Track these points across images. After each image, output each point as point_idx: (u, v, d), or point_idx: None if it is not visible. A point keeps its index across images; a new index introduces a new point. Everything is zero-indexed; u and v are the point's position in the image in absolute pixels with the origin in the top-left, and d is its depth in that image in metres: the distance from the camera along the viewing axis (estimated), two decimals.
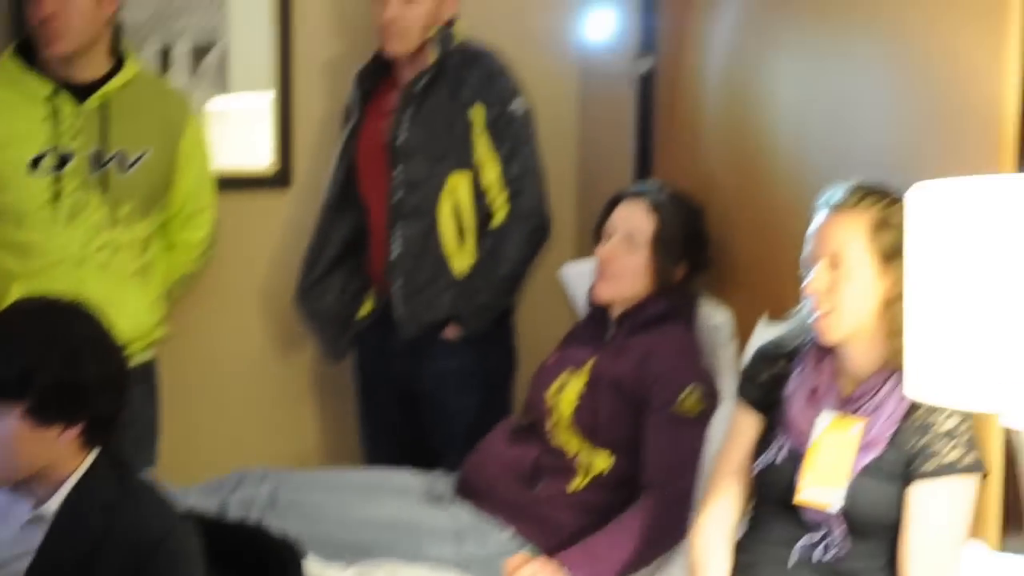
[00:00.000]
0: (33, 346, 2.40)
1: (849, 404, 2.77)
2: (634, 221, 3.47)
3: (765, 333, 3.11)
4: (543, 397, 3.50)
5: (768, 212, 3.50)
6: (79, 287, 3.34)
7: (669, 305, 3.45)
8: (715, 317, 3.56)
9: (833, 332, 2.74)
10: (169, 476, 3.57)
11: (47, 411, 2.42)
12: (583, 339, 3.59)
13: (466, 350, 3.95)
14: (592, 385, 3.42)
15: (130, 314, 3.56)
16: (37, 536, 2.51)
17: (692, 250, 3.53)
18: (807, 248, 2.77)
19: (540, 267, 4.31)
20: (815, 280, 2.73)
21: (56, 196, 3.51)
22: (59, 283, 3.36)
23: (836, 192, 2.76)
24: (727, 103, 3.74)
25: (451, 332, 3.94)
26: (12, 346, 2.40)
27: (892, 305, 2.69)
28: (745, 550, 2.86)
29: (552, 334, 4.41)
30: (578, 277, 3.95)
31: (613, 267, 3.45)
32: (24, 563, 2.51)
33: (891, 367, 2.72)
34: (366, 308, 4.08)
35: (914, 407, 2.71)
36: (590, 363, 3.46)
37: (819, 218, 2.77)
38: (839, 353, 2.80)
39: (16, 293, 3.42)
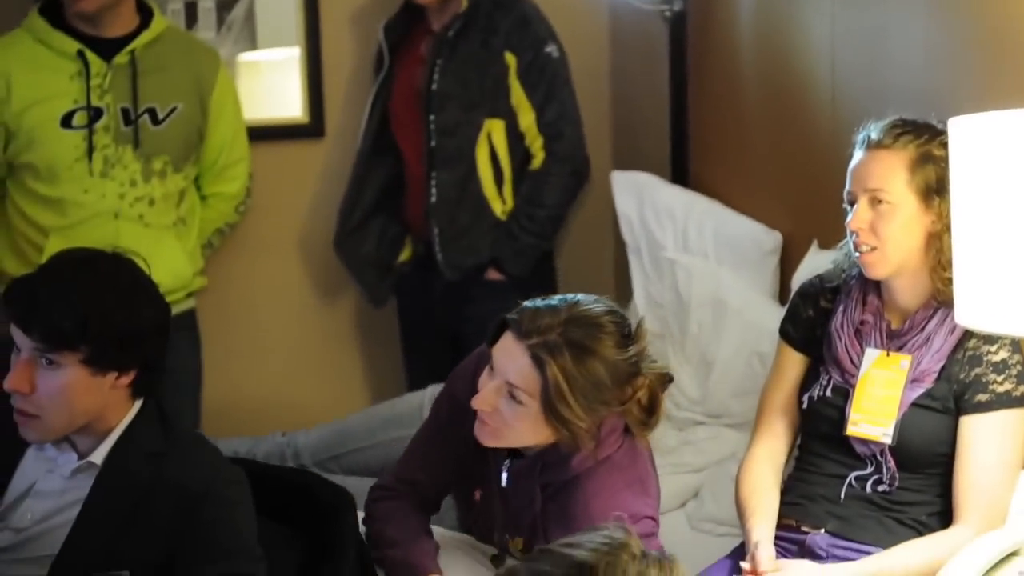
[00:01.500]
0: (88, 294, 2.41)
1: (896, 339, 2.76)
2: (512, 369, 2.55)
3: (815, 260, 3.10)
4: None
5: (807, 145, 3.50)
6: (115, 241, 3.35)
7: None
8: (765, 242, 3.55)
9: (878, 268, 2.73)
10: (212, 425, 3.60)
11: (103, 359, 2.43)
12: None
13: (508, 292, 3.90)
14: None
15: (168, 266, 3.57)
16: (84, 485, 2.53)
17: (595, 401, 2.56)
18: (848, 185, 2.76)
19: (579, 209, 4.31)
20: (857, 218, 2.72)
21: (89, 151, 3.52)
22: (95, 237, 3.37)
23: (874, 129, 2.74)
24: (761, 39, 3.72)
25: (492, 275, 3.95)
26: (67, 295, 2.41)
27: (936, 239, 2.67)
28: (794, 486, 2.86)
29: (593, 275, 4.43)
30: (626, 185, 3.94)
31: (494, 420, 2.58)
32: (72, 512, 2.53)
33: (938, 301, 2.71)
34: (406, 253, 4.11)
35: (963, 340, 2.70)
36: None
37: (858, 156, 2.75)
38: (885, 288, 2.79)
39: (52, 247, 3.42)
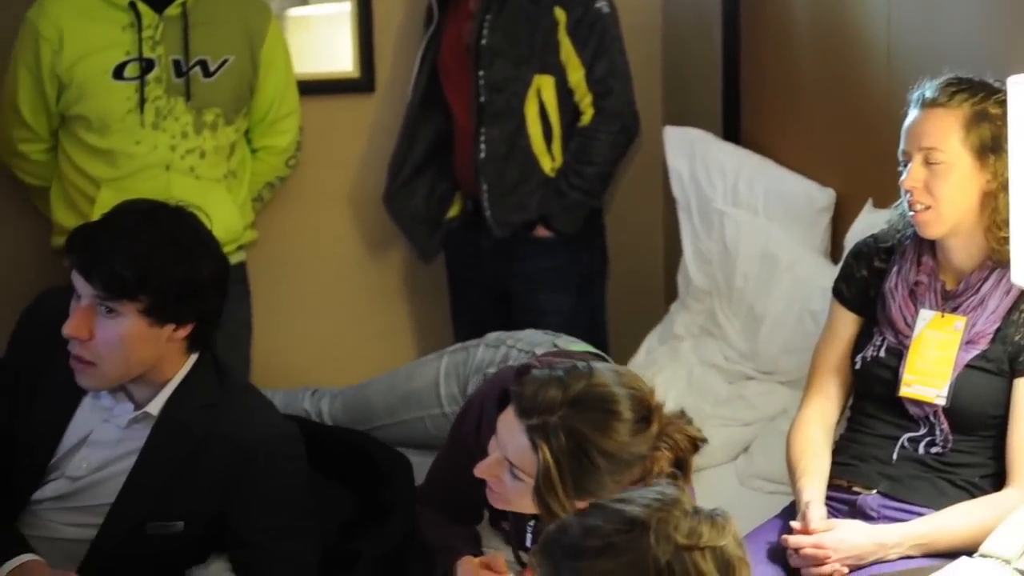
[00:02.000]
0: (149, 246, 2.43)
1: (951, 300, 2.75)
2: (510, 447, 2.40)
3: (869, 219, 3.08)
4: None
5: (862, 103, 3.47)
6: (166, 193, 3.37)
7: None
8: (817, 199, 3.53)
9: (933, 227, 2.71)
10: (260, 379, 3.61)
11: (161, 310, 2.45)
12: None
13: (557, 249, 3.96)
14: None
15: (219, 218, 3.55)
16: (140, 436, 2.56)
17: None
18: (902, 144, 2.74)
19: (628, 166, 4.30)
20: (911, 176, 2.70)
21: (140, 103, 3.53)
22: (146, 189, 3.38)
23: (929, 87, 2.72)
24: None
25: (541, 232, 3.95)
26: (129, 246, 2.42)
27: (992, 198, 2.66)
28: (846, 447, 2.85)
29: (642, 234, 4.41)
30: (678, 141, 3.93)
31: (499, 488, 2.45)
32: (127, 462, 2.56)
33: (993, 261, 2.69)
34: (455, 209, 4.10)
35: (1019, 301, 2.68)
36: None
37: (912, 114, 2.73)
38: (940, 248, 2.77)
39: (104, 199, 3.45)
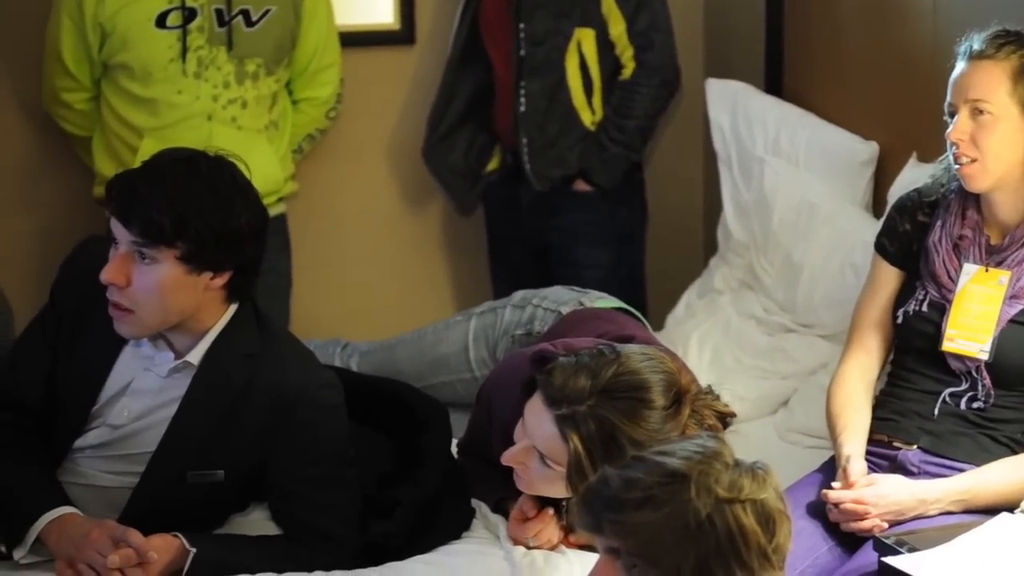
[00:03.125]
0: (187, 193, 2.43)
1: (995, 254, 2.73)
2: (538, 436, 2.41)
3: (913, 173, 3.06)
4: None
5: (907, 56, 3.45)
6: (208, 142, 3.37)
7: None
8: (860, 152, 3.51)
9: (978, 181, 2.69)
10: (299, 330, 3.62)
11: (199, 257, 2.45)
12: None
13: (596, 204, 3.95)
14: None
15: (259, 169, 3.56)
16: (181, 385, 2.57)
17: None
18: (949, 96, 2.72)
19: (669, 120, 4.28)
20: (957, 129, 2.69)
21: (183, 52, 3.53)
22: (188, 139, 3.39)
23: (976, 39, 2.70)
24: None
25: (580, 186, 3.94)
26: (167, 193, 2.42)
27: None
28: (886, 402, 2.84)
29: (682, 188, 4.39)
30: (720, 94, 3.90)
31: (527, 475, 2.47)
32: (168, 411, 2.57)
33: None
34: (494, 163, 4.09)
35: None
36: None
37: (960, 66, 2.71)
38: (985, 202, 2.75)
39: (146, 149, 3.45)
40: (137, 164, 2.65)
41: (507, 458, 2.44)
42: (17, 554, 2.50)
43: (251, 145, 3.55)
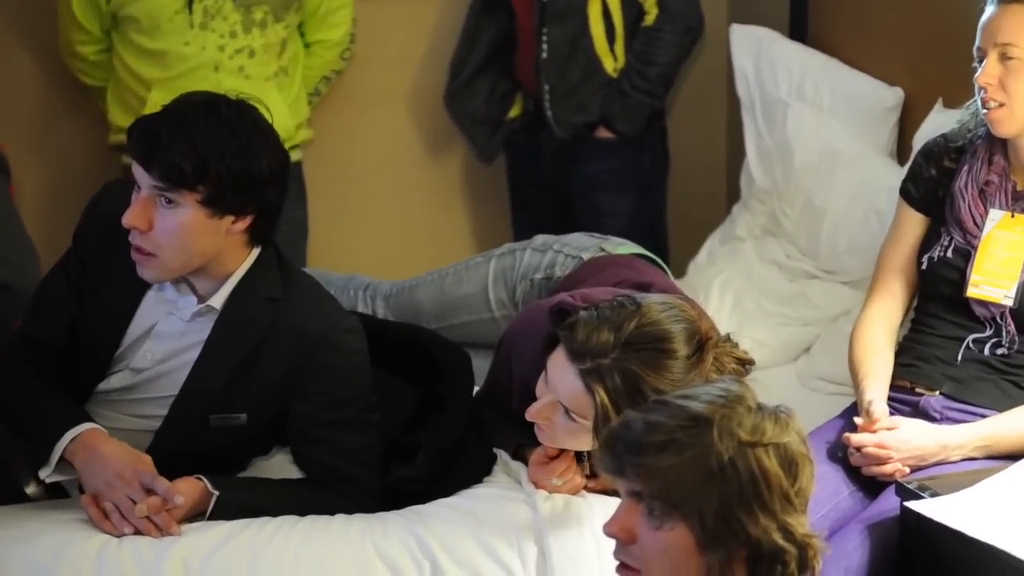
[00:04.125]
0: (208, 137, 2.42)
1: (1022, 200, 2.72)
2: (563, 392, 2.42)
3: (939, 119, 3.05)
4: None
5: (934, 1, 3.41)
6: (218, 91, 3.36)
7: None
8: (885, 98, 3.49)
9: (1006, 125, 2.68)
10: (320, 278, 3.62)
11: (220, 201, 2.45)
12: None
13: (618, 151, 3.94)
14: None
15: (271, 116, 3.58)
16: (204, 329, 2.57)
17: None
18: (977, 40, 2.70)
19: (691, 67, 4.25)
20: (986, 73, 2.67)
21: (189, 3, 3.53)
22: (196, 88, 3.34)
23: None
24: None
25: (602, 133, 3.92)
26: (188, 136, 2.42)
27: None
28: (909, 348, 2.84)
29: (705, 135, 4.37)
30: (744, 40, 3.88)
31: (550, 430, 2.50)
32: (191, 354, 2.58)
33: None
34: (515, 110, 4.08)
35: None
36: None
37: (989, 10, 2.69)
38: (1012, 148, 2.74)
39: (155, 100, 3.46)
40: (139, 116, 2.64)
41: (531, 414, 2.46)
42: (43, 473, 2.52)
43: (259, 93, 3.46)
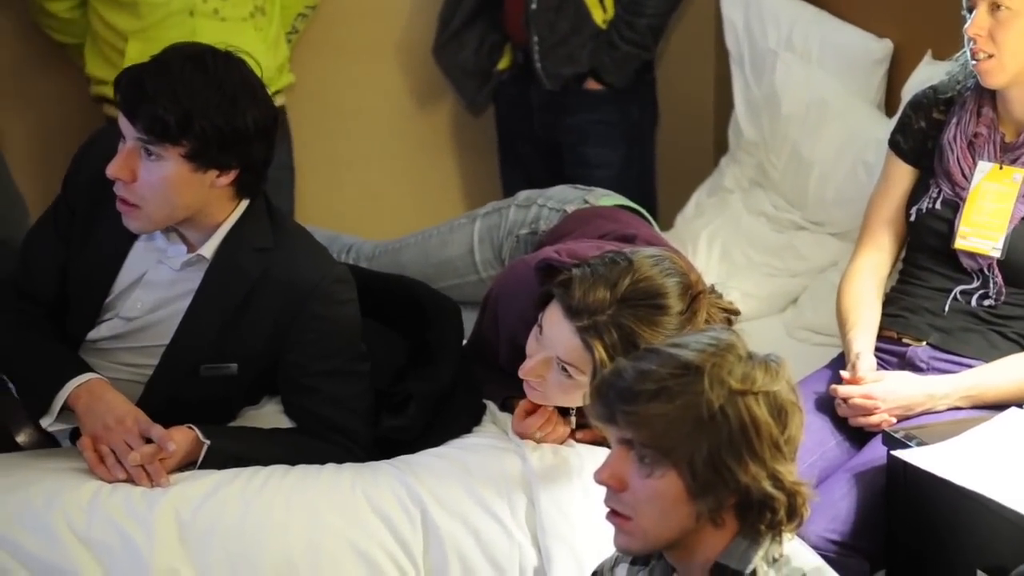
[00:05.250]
0: (193, 90, 2.41)
1: (1011, 152, 2.73)
2: (561, 347, 2.45)
3: (928, 71, 3.05)
4: None
5: None
6: (192, 38, 3.34)
7: None
8: (874, 50, 3.49)
9: (995, 76, 2.68)
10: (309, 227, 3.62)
11: (204, 156, 2.44)
12: None
13: (607, 102, 3.94)
14: None
15: (260, 69, 3.56)
16: (194, 278, 2.57)
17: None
18: None
19: (680, 18, 4.24)
20: (975, 24, 2.67)
21: None
22: (172, 36, 3.35)
23: None
24: None
25: (591, 85, 3.92)
26: (173, 89, 2.41)
27: None
28: (897, 299, 2.85)
29: (693, 87, 4.36)
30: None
31: (543, 387, 2.52)
32: (181, 303, 2.58)
33: None
34: (504, 61, 4.07)
35: None
36: None
37: None
38: (1001, 99, 2.75)
39: (133, 51, 3.44)
40: (126, 66, 2.63)
41: (525, 371, 2.49)
42: (44, 421, 2.53)
43: (236, 35, 3.51)
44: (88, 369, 2.54)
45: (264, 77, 3.54)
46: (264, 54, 3.62)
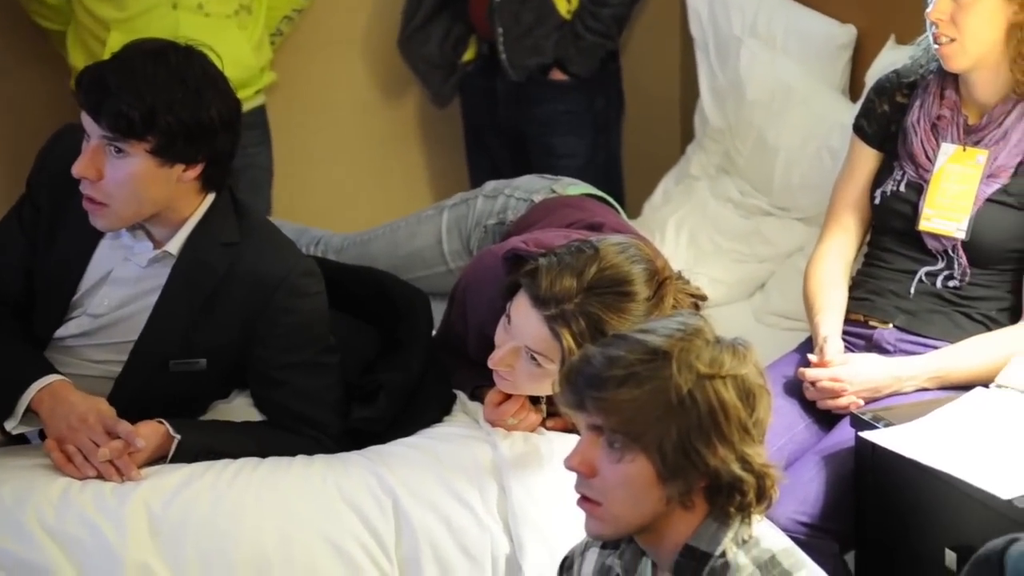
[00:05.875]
0: (156, 86, 2.41)
1: (974, 134, 2.74)
2: (529, 336, 2.46)
3: (891, 55, 3.06)
4: None
5: None
6: (175, 32, 3.34)
7: None
8: (838, 36, 3.50)
9: (957, 61, 2.69)
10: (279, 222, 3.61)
11: (170, 151, 2.44)
12: None
13: (573, 93, 3.94)
14: None
15: (231, 57, 3.50)
16: (161, 274, 2.56)
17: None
18: None
19: (645, 7, 4.25)
20: (937, 9, 2.68)
21: None
22: (154, 28, 3.35)
23: None
24: None
25: (556, 75, 3.92)
26: (136, 86, 2.40)
27: (1018, 30, 2.65)
28: (863, 282, 2.87)
29: (659, 76, 4.38)
30: None
31: (512, 376, 2.53)
32: (149, 300, 2.57)
33: (1017, 95, 2.69)
34: (470, 53, 4.07)
35: None
36: None
37: None
38: (963, 82, 2.76)
39: (114, 41, 3.42)
40: (106, 57, 2.63)
41: (494, 362, 2.49)
42: (9, 424, 2.51)
43: (220, 32, 3.50)
44: (52, 370, 2.53)
45: (246, 76, 3.57)
46: (247, 53, 3.61)
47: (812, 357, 2.70)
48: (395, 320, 2.80)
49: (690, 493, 1.90)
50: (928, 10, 2.69)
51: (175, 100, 2.42)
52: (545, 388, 2.49)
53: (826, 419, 2.71)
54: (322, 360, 2.62)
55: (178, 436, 2.52)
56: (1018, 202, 2.69)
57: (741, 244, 3.57)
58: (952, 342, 2.71)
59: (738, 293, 3.49)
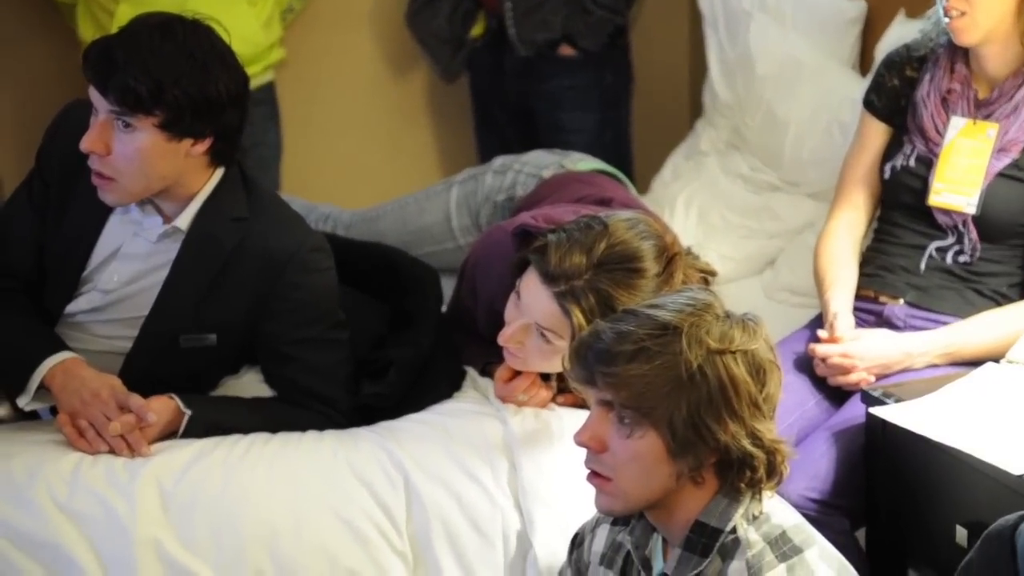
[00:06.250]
0: (163, 59, 2.40)
1: (984, 108, 2.73)
2: (539, 313, 2.46)
3: (901, 30, 3.05)
4: None
5: None
6: (183, 6, 3.33)
7: None
8: (848, 10, 3.49)
9: (968, 34, 2.68)
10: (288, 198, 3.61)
11: (178, 125, 2.43)
12: None
13: (581, 68, 3.93)
14: None
15: (238, 32, 3.51)
16: (170, 249, 2.56)
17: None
18: None
19: None
20: None
21: None
22: (164, 3, 3.33)
23: None
24: None
25: (565, 50, 3.91)
26: (144, 60, 2.39)
27: None
28: (873, 257, 2.86)
29: (668, 51, 4.36)
30: None
31: (522, 353, 2.53)
32: (159, 275, 2.57)
33: None
34: (478, 28, 4.06)
35: None
36: None
37: None
38: (973, 56, 2.75)
39: (123, 14, 3.42)
40: (115, 30, 2.62)
41: (504, 338, 2.49)
42: (21, 401, 2.52)
43: (229, 7, 3.50)
44: (63, 347, 2.54)
45: (254, 52, 3.56)
46: (256, 29, 3.60)
47: (822, 333, 2.70)
48: (405, 296, 2.80)
49: (700, 469, 1.90)
50: None
51: (182, 74, 2.41)
52: (555, 364, 2.48)
53: (836, 396, 2.71)
54: (332, 336, 2.62)
55: (189, 411, 2.52)
56: None
57: (751, 220, 3.56)
58: (962, 318, 2.71)
59: (748, 269, 3.49)
